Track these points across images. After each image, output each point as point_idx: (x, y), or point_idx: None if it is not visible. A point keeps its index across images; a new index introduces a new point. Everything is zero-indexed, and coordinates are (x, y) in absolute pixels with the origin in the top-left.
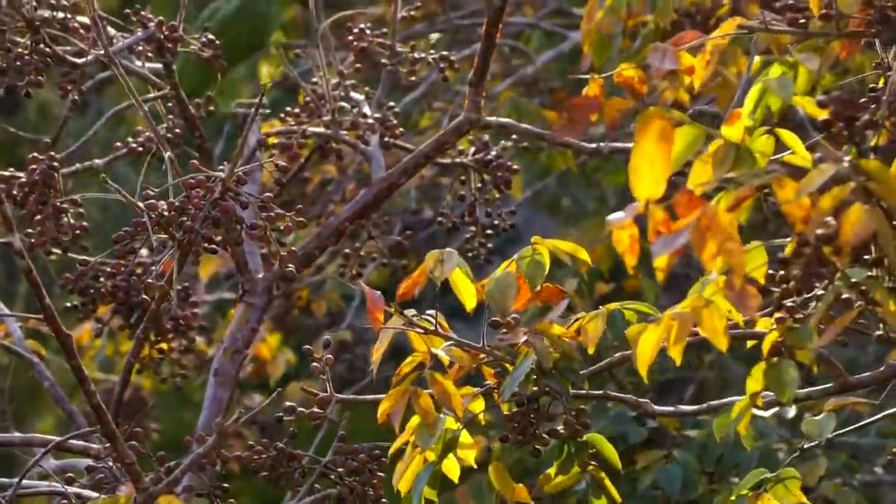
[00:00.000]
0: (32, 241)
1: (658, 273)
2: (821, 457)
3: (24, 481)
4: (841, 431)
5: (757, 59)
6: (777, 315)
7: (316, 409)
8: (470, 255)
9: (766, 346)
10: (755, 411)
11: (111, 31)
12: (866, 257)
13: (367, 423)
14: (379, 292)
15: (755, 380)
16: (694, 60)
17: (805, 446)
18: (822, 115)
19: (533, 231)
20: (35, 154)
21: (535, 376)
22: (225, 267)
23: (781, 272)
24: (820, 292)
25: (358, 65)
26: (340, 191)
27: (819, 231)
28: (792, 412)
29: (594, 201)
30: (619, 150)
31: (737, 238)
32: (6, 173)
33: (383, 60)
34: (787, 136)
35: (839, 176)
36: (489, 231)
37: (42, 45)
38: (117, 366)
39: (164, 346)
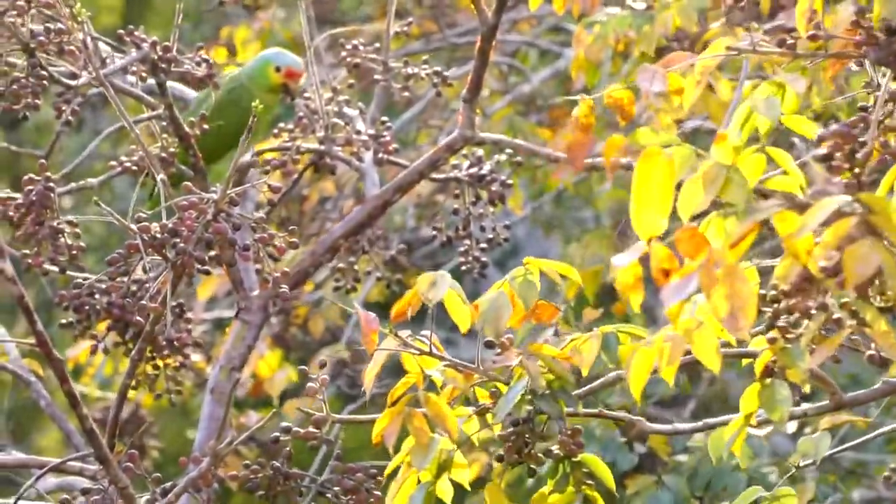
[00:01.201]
0: (29, 262)
1: (672, 318)
2: (809, 480)
3: (21, 502)
4: (839, 448)
5: (748, 83)
6: (769, 335)
7: (312, 429)
8: (465, 269)
9: (758, 366)
10: (750, 430)
11: (106, 49)
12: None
13: (369, 439)
14: (373, 314)
15: (749, 400)
16: (682, 81)
17: (801, 465)
18: (814, 132)
19: (533, 245)
20: (31, 175)
21: (528, 397)
22: (223, 287)
23: (773, 292)
24: (812, 311)
25: (351, 81)
26: (338, 208)
27: (822, 264)
28: (792, 429)
29: (591, 219)
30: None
31: (746, 279)
32: (2, 195)
33: (376, 76)
34: (777, 155)
35: (841, 211)
36: (484, 245)
37: (38, 68)
38: (116, 383)
39: (159, 362)
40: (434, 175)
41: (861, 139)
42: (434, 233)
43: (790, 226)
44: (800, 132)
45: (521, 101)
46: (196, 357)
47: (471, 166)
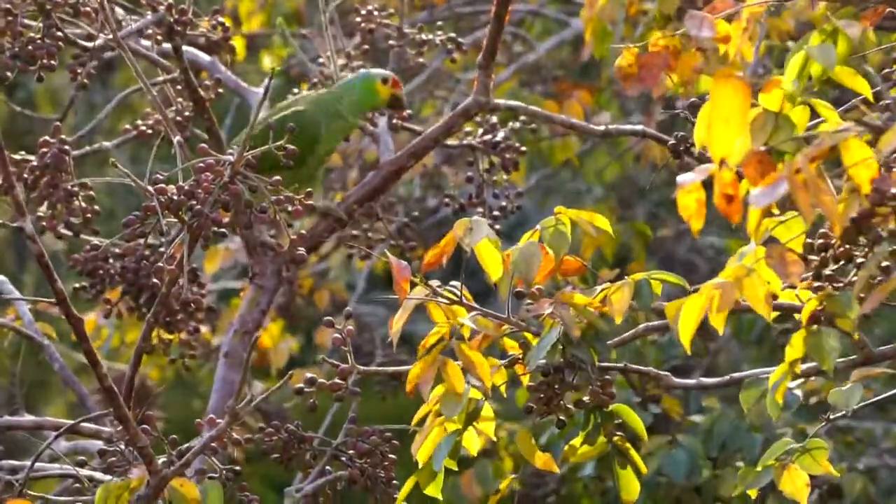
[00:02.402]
0: (44, 224)
1: (751, 227)
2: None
3: (36, 464)
4: (841, 414)
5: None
6: (815, 284)
7: (338, 380)
8: None
9: (805, 314)
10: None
11: (120, 12)
12: None
13: (377, 406)
14: (405, 263)
15: (795, 348)
16: (729, 28)
17: (833, 417)
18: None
19: (540, 217)
20: (46, 137)
21: (561, 346)
22: (228, 261)
23: (820, 241)
24: (860, 260)
25: (365, 46)
26: (343, 180)
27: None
28: (798, 392)
29: (586, 193)
30: (625, 132)
31: (831, 191)
32: (17, 157)
33: (391, 42)
34: (821, 106)
35: None
36: (496, 212)
37: (54, 29)
38: (123, 355)
39: (173, 328)
40: (448, 142)
41: None
42: (446, 199)
43: (856, 155)
44: (849, 85)
45: (525, 72)
46: (203, 328)
47: (485, 133)
